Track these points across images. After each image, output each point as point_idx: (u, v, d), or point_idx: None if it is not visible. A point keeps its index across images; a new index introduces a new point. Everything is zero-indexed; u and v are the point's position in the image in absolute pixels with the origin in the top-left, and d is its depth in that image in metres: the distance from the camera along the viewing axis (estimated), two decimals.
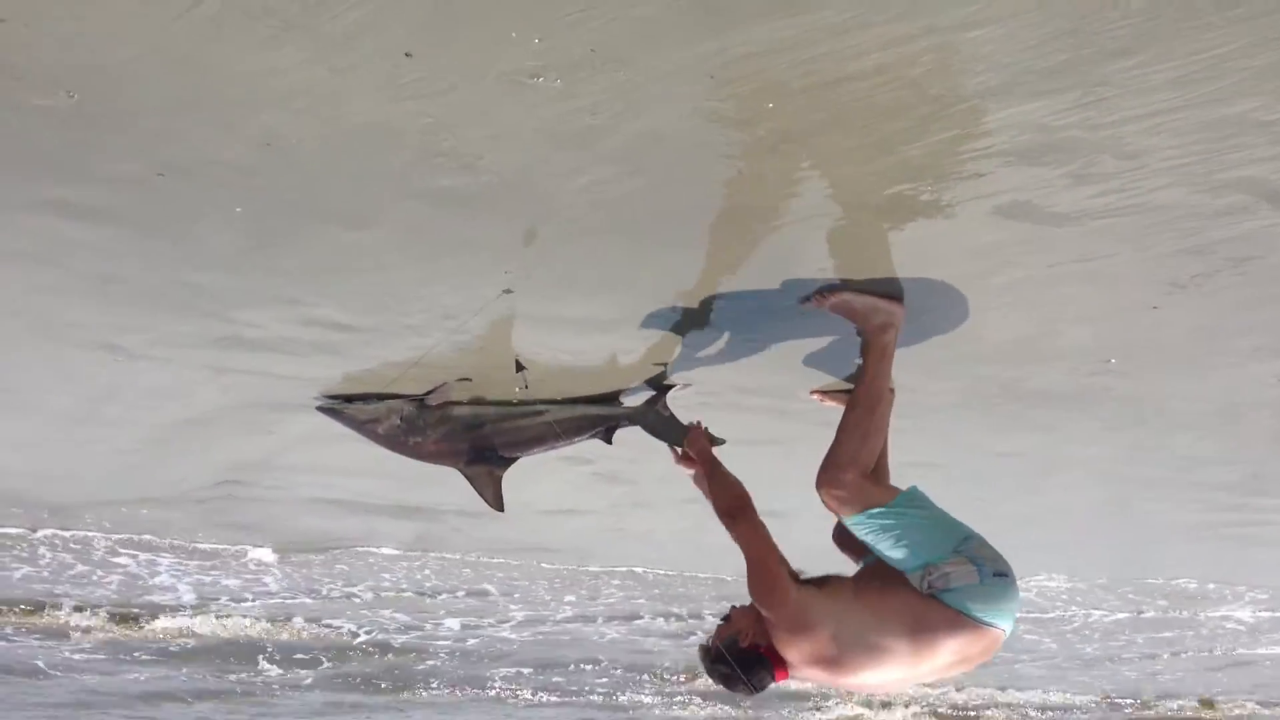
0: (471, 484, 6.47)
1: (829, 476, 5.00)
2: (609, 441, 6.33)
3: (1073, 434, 7.02)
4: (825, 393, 6.45)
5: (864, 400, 5.19)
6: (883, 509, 4.84)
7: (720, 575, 11.23)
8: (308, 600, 12.07)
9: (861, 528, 4.89)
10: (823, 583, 4.85)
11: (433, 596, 11.98)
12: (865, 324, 5.31)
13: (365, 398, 6.54)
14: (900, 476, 8.40)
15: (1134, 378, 6.21)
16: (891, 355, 5.25)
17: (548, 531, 10.06)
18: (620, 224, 5.12)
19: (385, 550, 10.48)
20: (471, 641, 13.82)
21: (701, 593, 12.20)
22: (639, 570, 11.59)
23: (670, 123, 4.47)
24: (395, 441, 6.51)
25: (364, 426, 6.53)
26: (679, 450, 5.77)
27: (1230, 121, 4.23)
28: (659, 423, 6.11)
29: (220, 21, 3.89)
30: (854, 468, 4.98)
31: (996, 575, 4.64)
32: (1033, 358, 6.13)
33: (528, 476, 8.35)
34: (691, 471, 5.70)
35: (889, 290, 5.39)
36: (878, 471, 5.28)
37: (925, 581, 4.62)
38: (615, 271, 5.56)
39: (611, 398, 6.37)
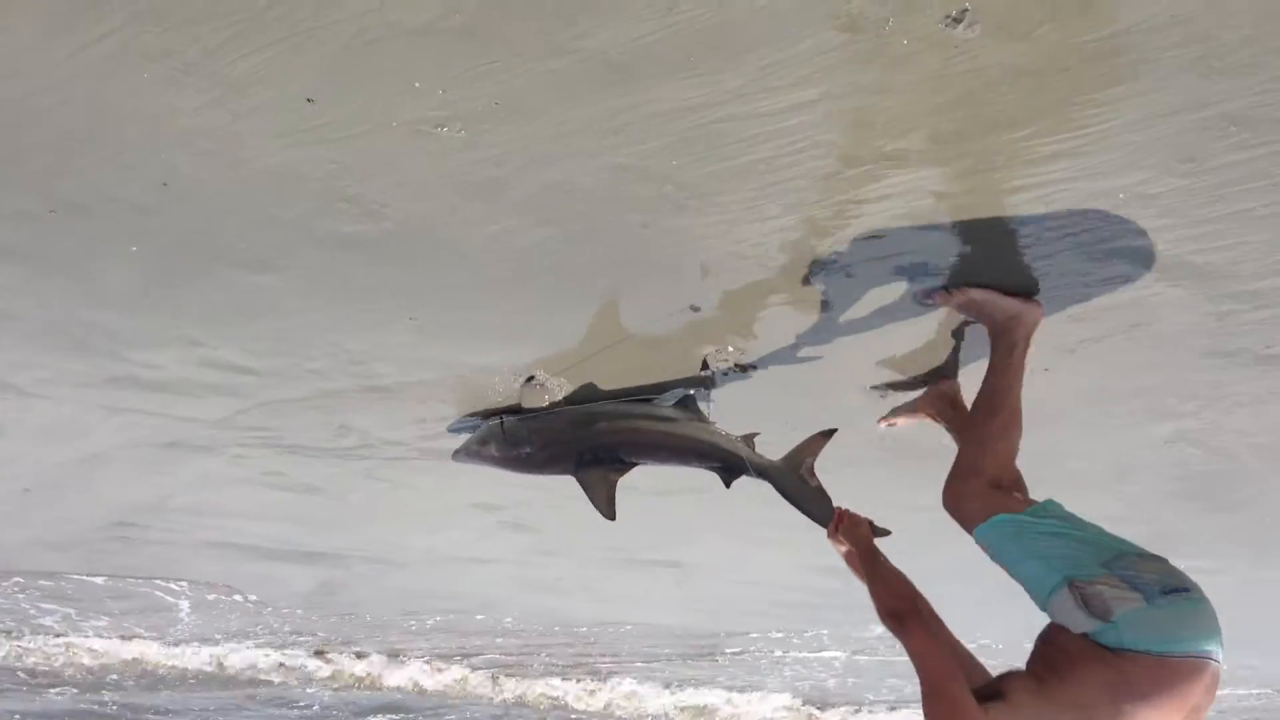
0: (585, 491, 5.76)
1: (950, 488, 4.55)
2: (727, 485, 5.65)
3: None
4: (892, 417, 6.08)
5: (983, 405, 4.73)
6: (1009, 515, 4.28)
7: (624, 621, 11.15)
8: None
9: (988, 541, 4.31)
10: (999, 693, 3.91)
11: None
12: (992, 322, 4.78)
13: (476, 418, 6.14)
14: (814, 529, 8.49)
15: (1032, 437, 6.32)
16: (1021, 358, 4.72)
17: (457, 579, 9.96)
18: (526, 274, 5.13)
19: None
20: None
21: (612, 643, 12.15)
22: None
23: (577, 176, 4.50)
24: (509, 459, 5.95)
25: (480, 454, 6.02)
26: (831, 527, 5.16)
27: (1115, 193, 4.37)
28: (801, 491, 5.54)
29: (119, 60, 3.85)
30: (976, 477, 4.49)
31: (1169, 593, 3.84)
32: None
33: (436, 523, 8.29)
34: (843, 549, 5.13)
35: (1024, 287, 4.90)
36: (1013, 485, 4.67)
37: (1079, 601, 3.86)
38: (522, 321, 5.56)
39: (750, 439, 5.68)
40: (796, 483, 5.54)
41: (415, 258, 5.05)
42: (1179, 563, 8.09)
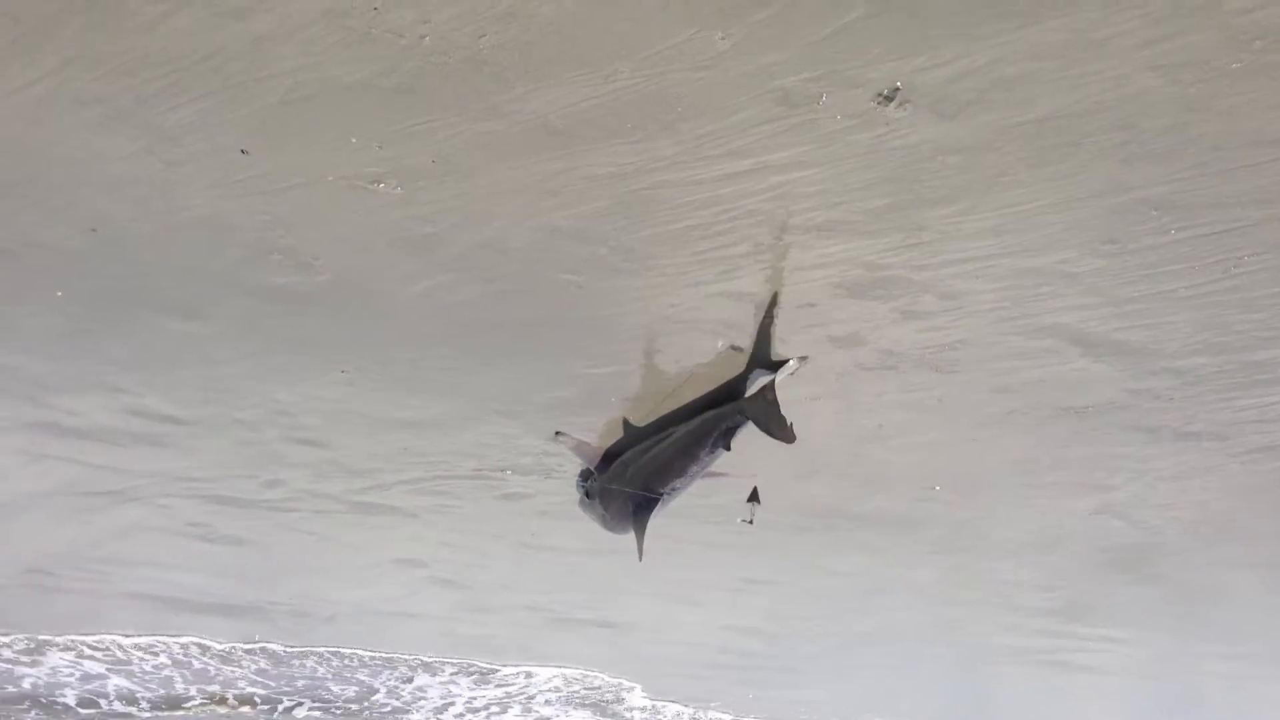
0: (638, 537, 5.82)
1: None
2: (729, 448, 5.59)
3: (900, 556, 7.18)
4: None
5: None
6: None
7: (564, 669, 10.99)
8: None
9: None
10: None
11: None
12: None
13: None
14: (739, 592, 8.55)
15: (957, 505, 6.42)
16: None
17: (384, 634, 9.76)
18: (459, 330, 5.11)
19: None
20: None
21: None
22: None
23: (512, 236, 4.51)
24: (599, 518, 6.03)
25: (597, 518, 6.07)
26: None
27: (1042, 271, 4.47)
28: (766, 412, 5.44)
29: (49, 105, 3.81)
30: None
31: None
32: (863, 481, 6.29)
33: (364, 578, 8.16)
34: None
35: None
36: None
37: None
38: (454, 377, 5.52)
39: (730, 393, 5.64)
40: (762, 404, 5.39)
41: (347, 311, 5.01)
42: (1097, 631, 8.25)
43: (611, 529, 6.07)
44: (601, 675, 10.24)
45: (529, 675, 10.63)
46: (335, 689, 10.72)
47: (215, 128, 3.90)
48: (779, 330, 4.97)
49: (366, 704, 11.16)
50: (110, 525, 7.21)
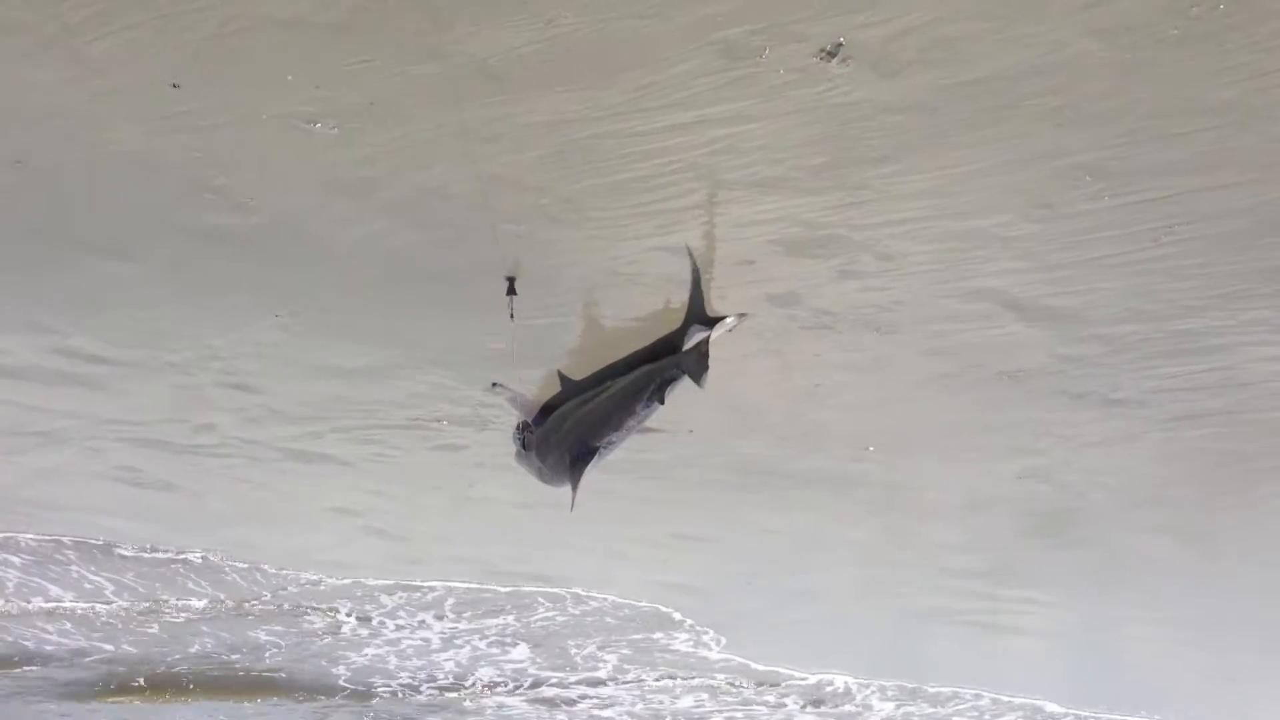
0: (573, 489, 5.81)
1: None
2: (663, 402, 5.55)
3: (834, 515, 7.25)
4: None
5: None
6: None
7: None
8: None
9: None
10: None
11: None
12: None
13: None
14: (676, 549, 8.60)
15: (890, 466, 6.49)
16: None
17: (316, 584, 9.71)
18: (396, 277, 5.06)
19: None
20: None
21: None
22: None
23: (452, 182, 4.46)
24: (542, 473, 5.95)
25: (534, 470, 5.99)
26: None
27: (977, 234, 4.51)
28: (698, 362, 5.47)
29: None
30: None
31: None
32: (798, 440, 6.34)
33: (297, 527, 8.11)
34: None
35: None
36: None
37: None
38: (391, 324, 5.48)
39: (666, 347, 5.58)
40: (696, 357, 5.37)
41: (283, 254, 4.93)
42: (1023, 594, 8.41)
43: (547, 482, 6.07)
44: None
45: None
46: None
47: (144, 60, 3.81)
48: (716, 286, 4.98)
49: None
50: (36, 466, 7.10)
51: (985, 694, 10.94)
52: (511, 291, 5.36)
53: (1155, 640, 9.35)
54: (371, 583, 9.15)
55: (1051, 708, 10.92)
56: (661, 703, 11.98)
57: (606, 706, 12.24)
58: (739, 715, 11.79)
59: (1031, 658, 10.21)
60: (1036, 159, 4.12)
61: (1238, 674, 10.20)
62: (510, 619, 9.88)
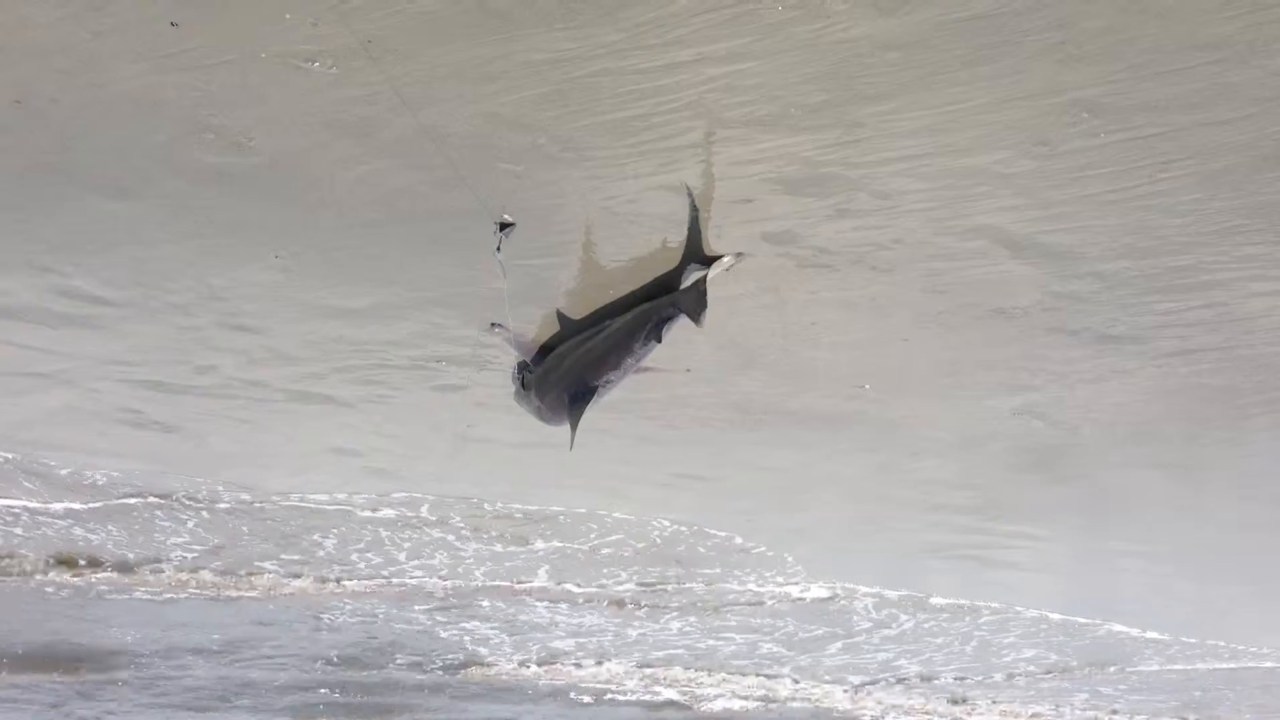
0: (571, 429, 5.96)
1: None
2: (660, 340, 5.74)
3: (829, 453, 7.34)
4: None
5: None
6: None
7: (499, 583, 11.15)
8: None
9: None
10: None
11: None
12: None
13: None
14: (670, 488, 8.70)
15: (885, 404, 6.56)
16: None
17: (316, 525, 9.82)
18: (396, 217, 5.07)
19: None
20: None
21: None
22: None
23: (450, 121, 4.47)
24: (541, 412, 6.11)
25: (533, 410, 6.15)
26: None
27: (975, 171, 4.53)
28: (696, 301, 5.61)
29: None
30: None
31: None
32: (794, 378, 6.39)
33: (298, 467, 8.18)
34: None
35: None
36: None
37: None
38: (390, 265, 5.49)
39: (664, 286, 5.76)
40: (694, 295, 5.54)
41: (282, 194, 4.95)
42: (1017, 528, 8.52)
43: (546, 421, 6.15)
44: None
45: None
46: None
47: None
48: (713, 225, 5.00)
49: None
50: (38, 407, 7.14)
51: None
52: (503, 227, 5.39)
53: (1145, 572, 9.52)
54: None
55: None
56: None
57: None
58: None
59: (1025, 590, 10.40)
60: (1034, 95, 4.13)
61: (1227, 606, 10.42)
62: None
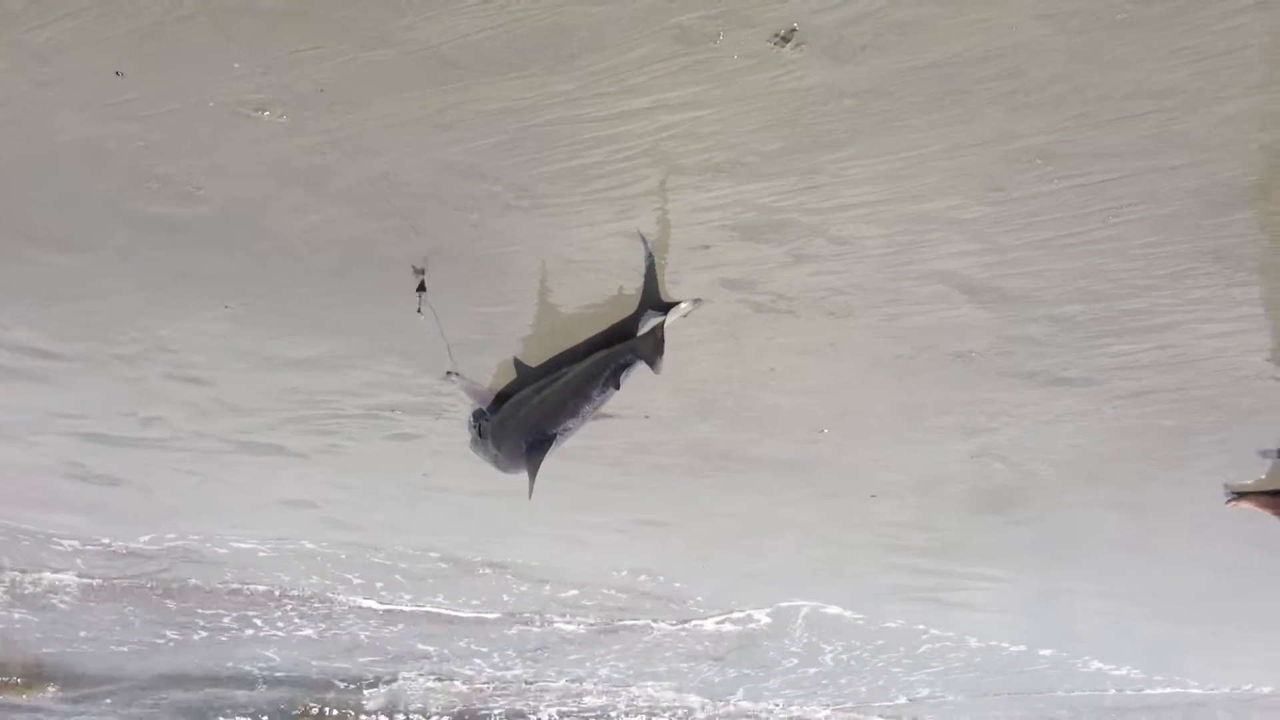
0: (530, 477, 5.85)
1: None
2: (618, 387, 5.65)
3: (789, 498, 7.31)
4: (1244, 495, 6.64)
5: None
6: None
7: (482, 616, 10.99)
8: None
9: None
10: None
11: None
12: None
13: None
14: (633, 534, 8.62)
15: (844, 448, 6.55)
16: None
17: (276, 574, 9.63)
18: (348, 266, 5.00)
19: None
20: None
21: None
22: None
23: (404, 169, 4.42)
24: (498, 461, 6.03)
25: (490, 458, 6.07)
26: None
27: (930, 217, 4.54)
28: (653, 347, 5.52)
29: None
30: None
31: None
32: (753, 424, 6.37)
33: (249, 518, 8.03)
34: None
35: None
36: None
37: None
38: (343, 314, 5.42)
39: (622, 332, 5.66)
40: (652, 342, 5.45)
41: (231, 244, 4.86)
42: (976, 569, 8.50)
43: (504, 469, 6.07)
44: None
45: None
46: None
47: (87, 47, 3.72)
48: (671, 271, 4.98)
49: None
50: None
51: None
52: (421, 289, 5.33)
53: (1104, 613, 9.56)
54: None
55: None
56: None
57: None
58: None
59: (984, 631, 10.41)
60: (988, 142, 4.15)
61: (1186, 643, 10.48)
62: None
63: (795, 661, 11.54)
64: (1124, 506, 7.22)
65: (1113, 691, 12.34)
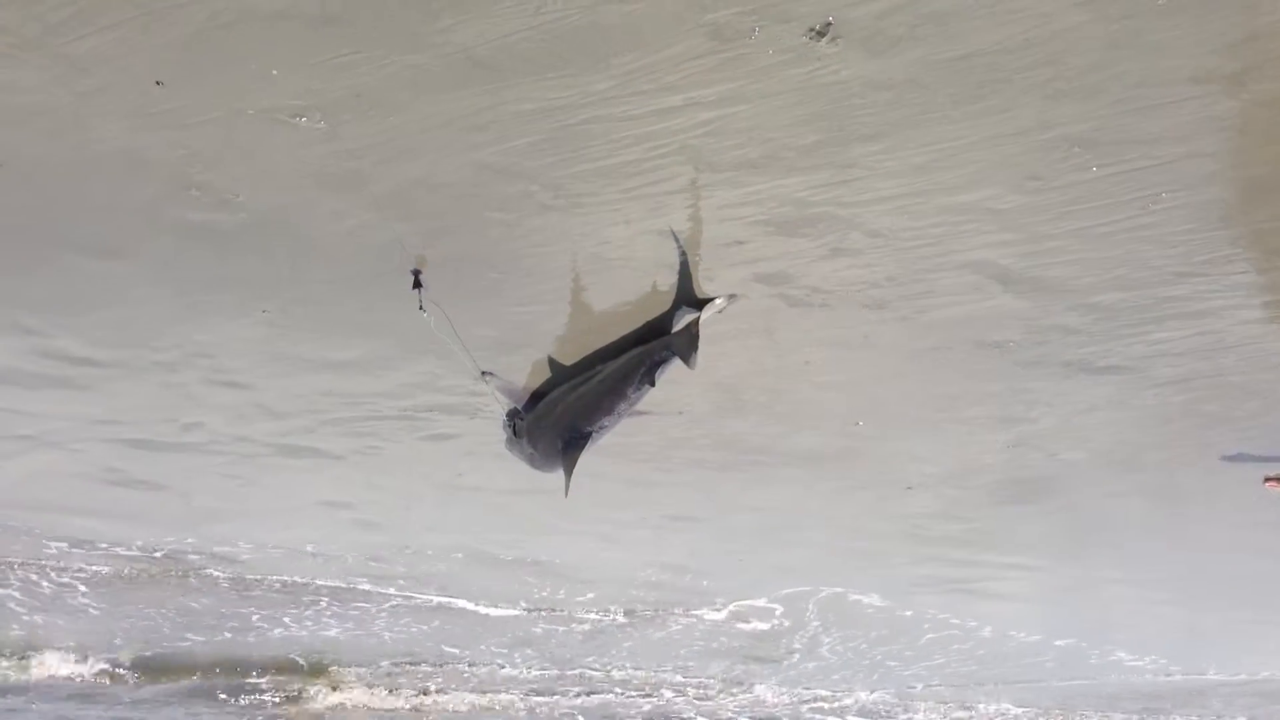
0: (566, 475, 5.97)
1: None
2: (654, 383, 5.76)
3: (823, 490, 7.29)
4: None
5: None
6: None
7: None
8: None
9: None
10: None
11: None
12: None
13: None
14: (667, 530, 8.62)
15: (879, 440, 6.53)
16: None
17: (304, 575, 9.68)
18: (384, 270, 5.02)
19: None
20: None
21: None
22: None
23: (441, 172, 4.43)
24: (527, 458, 6.14)
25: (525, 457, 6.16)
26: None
27: (966, 208, 4.52)
28: (688, 343, 5.61)
29: None
30: None
31: None
32: (787, 418, 6.36)
33: (287, 521, 8.07)
34: None
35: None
36: None
37: None
38: (379, 316, 5.43)
39: (656, 329, 5.75)
40: (686, 338, 5.55)
41: (269, 249, 4.89)
42: (1008, 559, 8.44)
43: (539, 468, 6.10)
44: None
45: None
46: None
47: (128, 58, 3.76)
48: (706, 267, 4.98)
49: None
50: (21, 470, 7.02)
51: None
52: (417, 285, 5.35)
53: (1136, 600, 9.49)
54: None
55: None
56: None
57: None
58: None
59: (1017, 621, 10.35)
60: (1025, 132, 4.14)
61: (1216, 630, 10.41)
62: None
63: (827, 650, 11.53)
64: (1158, 494, 7.17)
65: (1150, 677, 12.31)
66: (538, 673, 12.50)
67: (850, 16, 3.68)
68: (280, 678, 12.45)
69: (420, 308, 5.25)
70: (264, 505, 7.56)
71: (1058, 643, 10.97)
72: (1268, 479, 6.61)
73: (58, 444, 6.65)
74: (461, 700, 13.34)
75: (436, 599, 9.98)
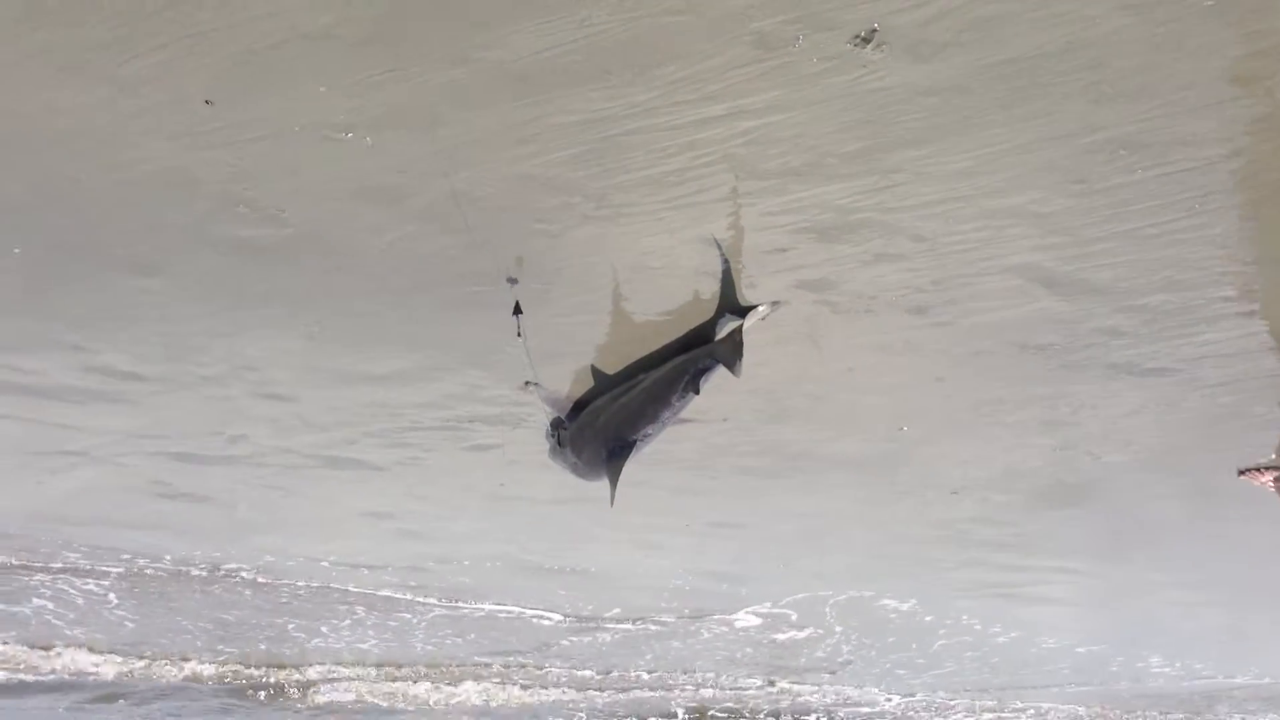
0: (611, 483, 5.93)
1: None
2: (698, 392, 5.70)
3: (865, 497, 7.27)
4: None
5: None
6: None
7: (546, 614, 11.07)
8: None
9: None
10: None
11: None
12: None
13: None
14: (710, 537, 8.62)
15: (923, 445, 6.50)
16: None
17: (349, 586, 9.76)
18: (427, 282, 5.05)
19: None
20: None
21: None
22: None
23: (482, 184, 4.46)
24: (572, 467, 6.11)
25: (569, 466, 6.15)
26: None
27: (1011, 211, 4.50)
28: (732, 351, 5.54)
29: None
30: None
31: None
32: (831, 423, 6.34)
33: (330, 531, 8.14)
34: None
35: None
36: None
37: None
38: (422, 328, 5.47)
39: (699, 337, 5.72)
40: (730, 345, 5.48)
41: (314, 264, 4.94)
42: (1054, 563, 8.38)
43: (583, 477, 6.11)
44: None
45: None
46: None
47: (176, 78, 3.80)
48: (748, 275, 4.98)
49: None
50: (68, 486, 7.12)
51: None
52: (518, 311, 5.37)
53: (1185, 604, 9.41)
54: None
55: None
56: None
57: None
58: None
59: (1061, 627, 10.28)
60: (1070, 135, 4.11)
61: (1263, 633, 10.30)
62: None
63: (872, 653, 11.50)
64: (1203, 496, 7.10)
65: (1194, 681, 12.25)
66: (582, 673, 12.54)
67: (895, 23, 3.67)
68: (314, 685, 12.57)
69: (519, 334, 5.29)
70: (307, 516, 7.63)
71: (1092, 648, 10.93)
72: (1242, 471, 6.54)
73: (103, 459, 6.73)
74: (511, 696, 13.43)
75: (486, 607, 10.03)
